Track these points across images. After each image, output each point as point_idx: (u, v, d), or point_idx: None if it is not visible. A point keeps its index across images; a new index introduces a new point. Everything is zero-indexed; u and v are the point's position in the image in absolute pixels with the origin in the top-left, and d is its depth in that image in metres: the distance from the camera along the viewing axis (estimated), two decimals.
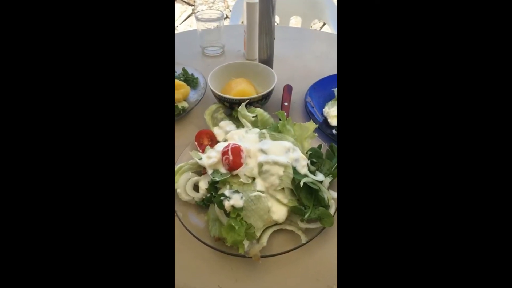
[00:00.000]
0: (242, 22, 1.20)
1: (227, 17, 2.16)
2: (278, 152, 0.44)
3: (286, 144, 0.45)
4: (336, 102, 0.63)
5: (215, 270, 0.39)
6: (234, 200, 0.39)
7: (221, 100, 0.58)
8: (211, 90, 0.59)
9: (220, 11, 0.80)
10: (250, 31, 0.76)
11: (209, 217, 0.42)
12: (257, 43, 0.79)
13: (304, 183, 0.41)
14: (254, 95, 0.58)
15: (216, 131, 0.54)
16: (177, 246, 0.42)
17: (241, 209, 0.39)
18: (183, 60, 0.79)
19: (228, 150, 0.44)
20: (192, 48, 0.87)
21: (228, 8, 2.08)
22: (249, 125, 0.52)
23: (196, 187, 0.45)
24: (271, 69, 0.64)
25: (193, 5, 2.12)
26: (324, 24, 2.05)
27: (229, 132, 0.52)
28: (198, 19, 0.78)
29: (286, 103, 0.63)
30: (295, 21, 1.31)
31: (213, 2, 2.07)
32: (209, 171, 0.44)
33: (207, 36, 0.82)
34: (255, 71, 0.66)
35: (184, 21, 2.19)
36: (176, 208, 0.43)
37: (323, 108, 0.63)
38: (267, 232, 0.41)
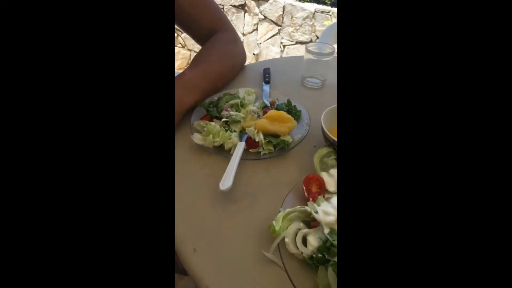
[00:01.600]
0: None
1: (311, 41, 2.17)
2: None
3: None
4: None
5: None
6: None
7: (333, 145, 0.55)
8: (324, 131, 0.56)
9: (332, 45, 0.78)
10: None
11: (319, 281, 0.38)
12: None
13: None
14: None
15: (325, 178, 0.50)
16: None
17: None
18: (281, 87, 0.79)
19: None
20: (290, 76, 0.85)
21: (314, 32, 2.09)
22: None
23: (304, 240, 0.42)
24: None
25: (280, 26, 2.17)
26: None
27: None
28: (308, 51, 0.77)
29: None
30: None
31: (300, 25, 2.09)
32: (325, 230, 0.41)
33: (312, 67, 0.80)
34: None
35: (267, 40, 2.25)
36: (283, 260, 0.41)
37: None
38: None
